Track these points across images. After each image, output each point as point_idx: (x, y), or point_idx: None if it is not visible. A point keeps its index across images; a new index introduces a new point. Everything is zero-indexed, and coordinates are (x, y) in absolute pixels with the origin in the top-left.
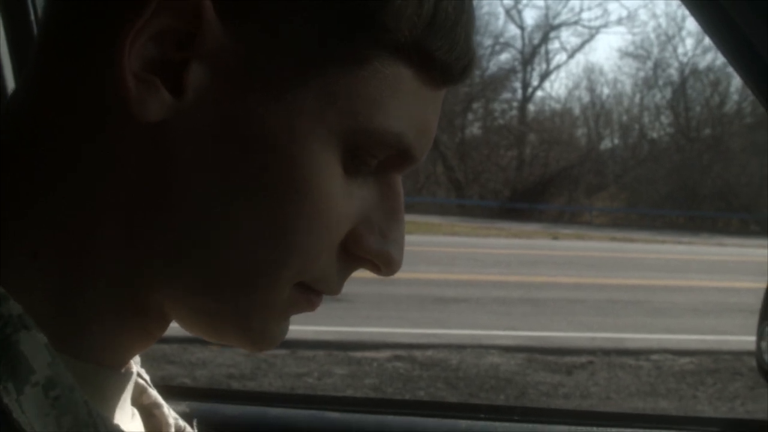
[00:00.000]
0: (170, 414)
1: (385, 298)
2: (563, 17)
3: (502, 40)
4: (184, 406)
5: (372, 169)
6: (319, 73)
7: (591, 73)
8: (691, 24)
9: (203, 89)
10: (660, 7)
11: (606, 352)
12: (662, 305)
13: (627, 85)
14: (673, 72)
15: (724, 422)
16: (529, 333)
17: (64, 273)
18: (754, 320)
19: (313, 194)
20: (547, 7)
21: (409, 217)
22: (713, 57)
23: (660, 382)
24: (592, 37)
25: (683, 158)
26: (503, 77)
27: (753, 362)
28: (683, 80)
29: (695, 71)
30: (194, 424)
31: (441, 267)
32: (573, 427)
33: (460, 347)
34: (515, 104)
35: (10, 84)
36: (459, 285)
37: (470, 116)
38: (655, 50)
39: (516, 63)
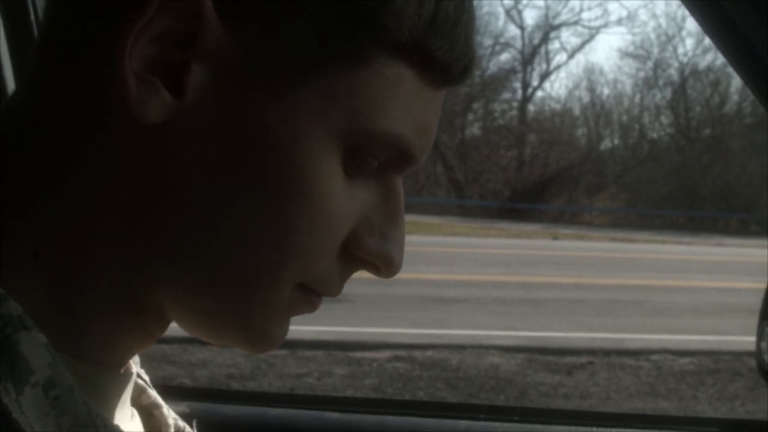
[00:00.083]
0: (170, 414)
1: (385, 299)
2: (563, 17)
3: (502, 40)
4: (183, 407)
5: (373, 170)
6: (319, 74)
7: (591, 73)
8: (691, 24)
9: (204, 89)
10: (660, 8)
11: (606, 353)
12: (662, 305)
13: (627, 86)
14: (673, 72)
15: (724, 423)
16: (529, 333)
17: (64, 273)
18: (754, 320)
19: (313, 194)
20: (547, 8)
21: (409, 218)
22: (713, 57)
23: (660, 383)
24: (592, 37)
25: (683, 158)
26: (503, 77)
27: (753, 363)
28: (683, 80)
29: (695, 71)
30: (194, 424)
31: (441, 267)
32: (573, 428)
33: (460, 347)
34: (515, 104)
35: (10, 84)
36: (459, 285)
37: (470, 116)
38: (655, 50)
39: (516, 63)
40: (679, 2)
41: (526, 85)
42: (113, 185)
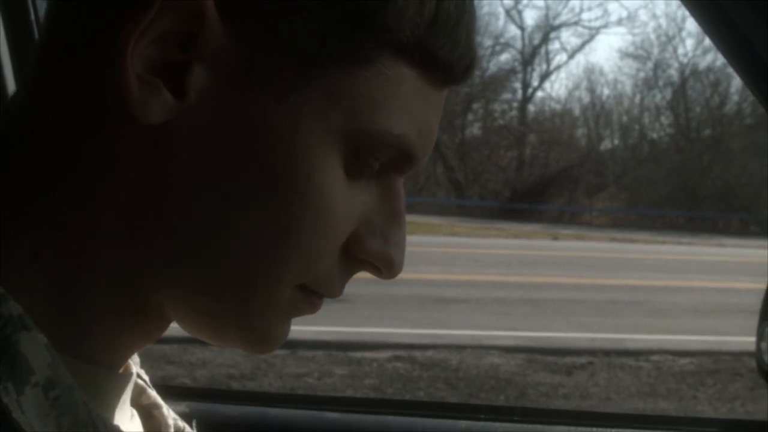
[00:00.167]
0: (169, 414)
1: (385, 299)
2: (563, 18)
3: (502, 40)
4: (183, 407)
5: (374, 171)
6: (319, 74)
7: (591, 73)
8: (692, 24)
9: (205, 90)
10: (660, 8)
11: (606, 353)
12: (662, 306)
13: (627, 86)
14: (674, 72)
15: (724, 423)
16: (529, 333)
17: (64, 273)
18: (754, 321)
19: (314, 195)
20: (548, 8)
21: (409, 218)
22: (713, 57)
23: (660, 383)
24: (592, 37)
25: (683, 159)
26: (503, 78)
27: (753, 363)
28: (683, 81)
29: (695, 72)
30: (193, 424)
31: (441, 267)
32: (573, 428)
33: (460, 347)
34: (515, 105)
35: (11, 84)
36: (459, 285)
37: (470, 116)
38: (656, 51)
39: (516, 63)
40: (679, 2)
41: (526, 85)
42: (113, 185)
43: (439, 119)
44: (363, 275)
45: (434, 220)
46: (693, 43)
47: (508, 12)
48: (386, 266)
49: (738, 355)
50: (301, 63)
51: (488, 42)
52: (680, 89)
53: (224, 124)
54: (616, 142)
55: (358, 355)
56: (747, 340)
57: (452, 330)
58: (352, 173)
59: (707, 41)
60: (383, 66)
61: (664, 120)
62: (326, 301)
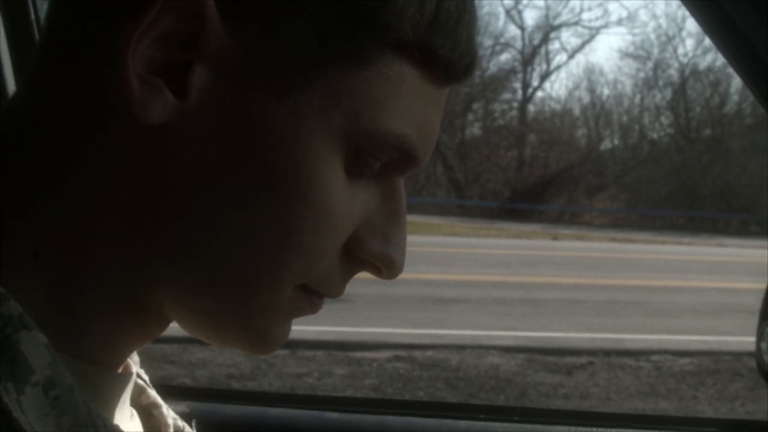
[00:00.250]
0: (169, 414)
1: (385, 299)
2: (563, 18)
3: (502, 40)
4: (183, 406)
5: (374, 172)
6: (320, 74)
7: (591, 73)
8: (692, 25)
9: (206, 90)
10: (660, 8)
11: (606, 353)
12: (662, 306)
13: (627, 86)
14: (674, 73)
15: (724, 423)
16: (529, 333)
17: (64, 273)
18: (754, 321)
19: (314, 195)
20: (548, 8)
21: (409, 218)
22: (713, 58)
23: (660, 383)
24: (592, 37)
25: (683, 159)
26: (503, 78)
27: (753, 363)
28: (683, 81)
29: (695, 72)
30: (193, 424)
31: (441, 267)
32: (573, 428)
33: (460, 347)
34: (515, 105)
35: (11, 84)
36: (459, 285)
37: (470, 117)
38: (656, 51)
39: (516, 63)
40: (679, 2)
41: (526, 85)
42: (113, 185)
43: (440, 119)
44: (363, 275)
45: (434, 220)
46: (693, 43)
47: (508, 12)
48: (387, 266)
49: (738, 355)
50: (302, 63)
51: (488, 42)
52: (680, 89)
53: (225, 124)
54: (616, 142)
55: (358, 355)
56: (747, 340)
57: (452, 330)
58: (352, 173)
59: (707, 41)
60: (384, 66)
61: (664, 120)
62: (326, 301)
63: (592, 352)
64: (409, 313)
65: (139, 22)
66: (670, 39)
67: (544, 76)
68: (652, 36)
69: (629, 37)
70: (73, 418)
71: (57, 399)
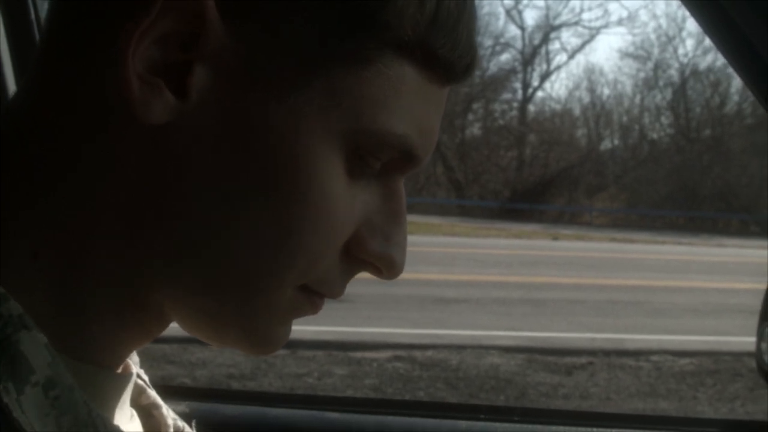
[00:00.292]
0: (169, 414)
1: (385, 299)
2: (564, 18)
3: (502, 40)
4: (183, 406)
5: (375, 172)
6: (321, 74)
7: (591, 73)
8: (692, 25)
9: (206, 90)
10: (660, 8)
11: (606, 353)
12: (662, 306)
13: (627, 86)
14: (674, 73)
15: (724, 423)
16: (529, 333)
17: (64, 273)
18: (754, 321)
19: (314, 195)
20: (548, 8)
21: (409, 218)
22: (713, 58)
23: (660, 383)
24: (592, 37)
25: (683, 159)
26: (503, 78)
27: (753, 363)
28: (683, 81)
29: (695, 72)
30: (193, 424)
31: (441, 267)
32: (573, 428)
33: (460, 348)
34: (515, 105)
35: (11, 84)
36: (459, 285)
37: (470, 117)
38: (656, 51)
39: (516, 63)
40: (680, 3)
41: (526, 85)
42: (113, 185)
43: (440, 119)
44: (363, 275)
45: (434, 220)
46: (693, 43)
47: (508, 12)
48: (387, 267)
49: (738, 355)
50: (302, 63)
51: (488, 42)
52: (680, 89)
53: (225, 124)
54: (616, 142)
55: (358, 355)
56: (747, 340)
57: (452, 330)
58: (353, 173)
59: (707, 41)
60: (384, 65)
61: (664, 120)
62: (326, 300)
63: (592, 352)
64: (409, 313)
65: (139, 23)
66: (670, 39)
67: (544, 76)
68: (653, 36)
69: (629, 37)
70: (73, 418)
71: (57, 399)
